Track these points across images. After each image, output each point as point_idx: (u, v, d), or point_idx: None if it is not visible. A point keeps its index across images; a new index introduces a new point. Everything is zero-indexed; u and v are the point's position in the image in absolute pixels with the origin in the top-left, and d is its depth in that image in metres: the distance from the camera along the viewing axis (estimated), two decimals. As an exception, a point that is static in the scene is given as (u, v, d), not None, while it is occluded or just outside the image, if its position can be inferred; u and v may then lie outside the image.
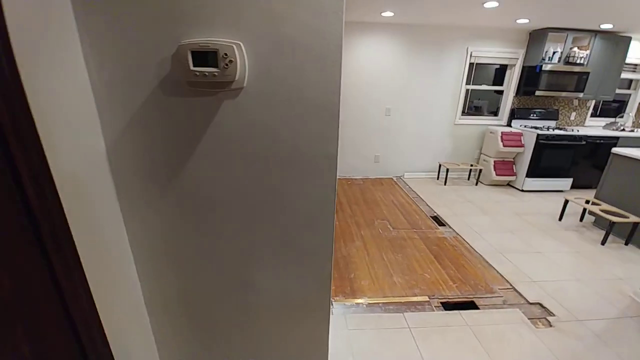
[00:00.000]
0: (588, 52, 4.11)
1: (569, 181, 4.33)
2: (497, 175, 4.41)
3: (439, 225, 3.23)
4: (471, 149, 4.83)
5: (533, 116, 4.57)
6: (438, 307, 2.03)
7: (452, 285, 2.26)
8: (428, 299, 2.10)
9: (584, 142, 4.15)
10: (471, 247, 2.80)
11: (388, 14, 3.54)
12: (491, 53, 4.33)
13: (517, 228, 3.21)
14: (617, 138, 4.19)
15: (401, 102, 4.48)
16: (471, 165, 4.62)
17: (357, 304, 2.03)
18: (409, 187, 4.39)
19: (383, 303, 2.04)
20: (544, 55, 4.12)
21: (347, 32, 4.07)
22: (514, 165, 4.45)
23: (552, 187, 4.32)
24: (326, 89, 0.82)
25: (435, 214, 3.51)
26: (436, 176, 4.82)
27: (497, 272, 2.43)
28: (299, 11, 0.75)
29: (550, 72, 4.09)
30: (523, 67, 4.40)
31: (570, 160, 4.22)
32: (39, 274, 0.65)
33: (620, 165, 3.07)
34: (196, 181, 0.90)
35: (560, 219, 3.43)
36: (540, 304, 2.09)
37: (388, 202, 3.82)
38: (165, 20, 0.75)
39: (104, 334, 0.81)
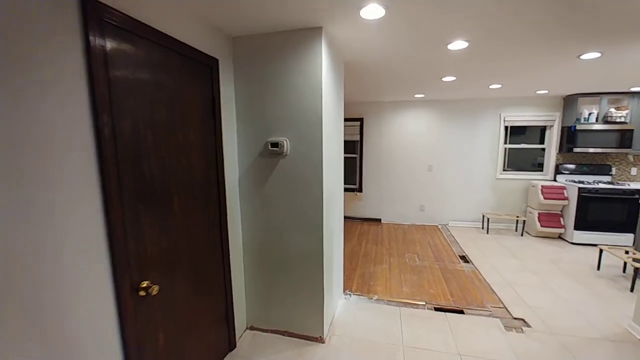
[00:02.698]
0: (627, 111, 4.33)
1: (629, 236, 4.21)
2: (541, 226, 4.59)
3: (463, 262, 3.75)
4: (516, 201, 5.13)
5: (579, 171, 4.73)
6: (430, 309, 2.69)
7: (450, 298, 2.86)
8: (425, 303, 2.77)
9: (637, 196, 4.13)
10: (484, 278, 3.28)
11: (419, 95, 4.68)
12: (525, 117, 4.92)
13: (544, 271, 3.48)
14: (681, 193, 4.03)
15: (441, 160, 5.29)
16: (517, 217, 4.90)
17: (369, 297, 2.86)
18: (450, 234, 4.92)
19: (387, 299, 2.81)
20: (578, 117, 4.52)
21: (393, 107, 5.32)
22: (561, 218, 4.58)
23: (608, 242, 4.25)
24: (315, 153, 2.01)
25: (463, 254, 4.02)
26: (480, 226, 5.20)
27: (497, 296, 2.90)
28: (306, 131, 2.00)
29: (586, 130, 4.41)
30: (562, 127, 4.80)
31: (625, 214, 4.19)
32: (217, 229, 1.93)
33: (648, 216, 3.21)
34: (267, 192, 2.14)
35: (598, 268, 3.52)
36: (523, 320, 2.53)
37: (424, 242, 4.47)
38: (263, 130, 2.08)
39: (229, 259, 2.03)
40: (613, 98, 4.41)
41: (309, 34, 1.93)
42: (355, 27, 1.93)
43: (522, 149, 5.14)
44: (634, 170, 4.74)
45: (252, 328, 2.35)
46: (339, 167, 2.62)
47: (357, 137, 5.59)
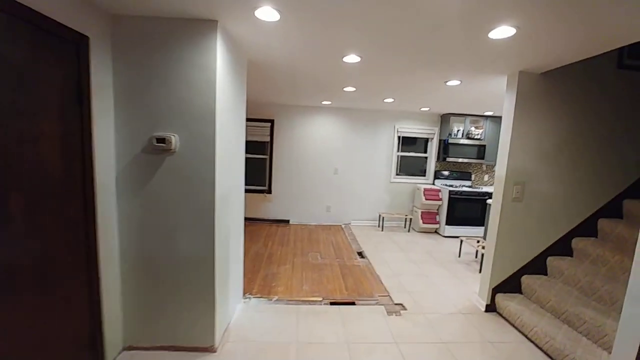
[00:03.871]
0: (483, 130, 5.49)
1: (481, 229, 5.30)
2: (423, 223, 5.40)
3: (360, 258, 4.11)
4: (405, 202, 5.91)
5: (451, 177, 5.76)
6: (326, 304, 2.86)
7: (345, 292, 3.10)
8: (322, 299, 2.93)
9: (486, 197, 5.24)
10: (375, 271, 3.66)
11: (327, 102, 4.95)
12: (413, 129, 5.72)
13: (421, 261, 4.10)
14: (514, 195, 5.30)
15: (345, 164, 5.71)
16: (405, 215, 5.64)
17: (269, 299, 2.86)
18: (351, 232, 5.34)
19: (287, 299, 2.87)
20: (450, 132, 5.49)
21: (302, 111, 5.49)
22: (437, 215, 5.47)
23: (468, 234, 5.26)
24: (207, 151, 1.91)
25: (361, 250, 4.41)
26: (377, 224, 5.81)
27: (384, 286, 3.27)
28: (197, 127, 1.88)
29: (455, 144, 5.40)
30: (440, 139, 5.75)
31: (479, 212, 5.27)
32: (82, 233, 1.64)
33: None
34: (152, 191, 1.93)
35: (459, 255, 4.33)
36: (402, 305, 2.91)
37: (327, 242, 4.74)
38: (148, 123, 1.87)
39: (98, 268, 1.75)
40: (473, 119, 5.51)
41: (203, 25, 1.83)
42: (254, 27, 1.92)
43: (411, 156, 5.95)
44: (486, 177, 6.02)
45: (130, 348, 2.06)
46: (239, 166, 2.55)
47: (268, 138, 5.57)
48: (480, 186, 5.80)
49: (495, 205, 2.77)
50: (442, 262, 4.10)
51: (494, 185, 2.80)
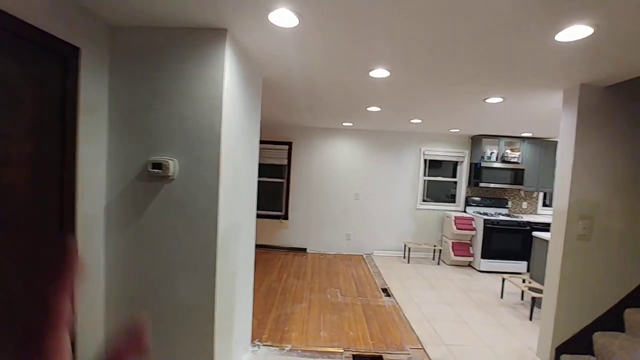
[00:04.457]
0: (520, 153, 4.98)
1: (522, 264, 4.68)
2: (455, 255, 4.84)
3: (385, 296, 3.63)
4: (433, 231, 5.38)
5: (484, 204, 5.22)
6: (348, 357, 2.40)
7: (370, 342, 2.62)
8: (342, 351, 2.47)
9: (528, 228, 4.65)
10: (404, 314, 3.16)
11: (348, 124, 4.68)
12: (441, 152, 5.30)
13: (457, 302, 3.55)
14: (560, 225, 4.68)
15: (368, 189, 5.33)
16: (434, 246, 5.11)
17: (281, 348, 2.44)
18: (374, 264, 4.86)
19: (302, 349, 2.44)
20: (483, 155, 5.03)
21: (322, 133, 5.24)
22: (470, 247, 4.90)
23: (507, 269, 4.65)
24: (210, 178, 1.62)
25: (386, 287, 3.92)
26: (402, 255, 5.29)
27: (416, 334, 2.77)
28: (199, 150, 1.61)
29: (489, 167, 4.91)
30: (470, 163, 5.28)
31: (519, 244, 4.67)
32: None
33: (539, 247, 3.55)
34: (145, 225, 1.64)
35: (501, 296, 3.75)
36: (440, 362, 2.41)
37: (348, 275, 4.28)
38: (144, 146, 1.61)
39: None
40: (508, 141, 5.04)
41: (211, 35, 1.60)
42: (268, 35, 1.67)
43: (438, 181, 5.50)
44: (524, 204, 5.42)
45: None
46: (249, 194, 2.24)
47: (285, 162, 5.32)
48: (519, 215, 5.20)
49: (555, 243, 2.29)
50: (481, 304, 3.53)
51: (553, 219, 2.33)
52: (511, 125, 4.11)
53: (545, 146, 5.02)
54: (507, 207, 5.27)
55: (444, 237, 5.23)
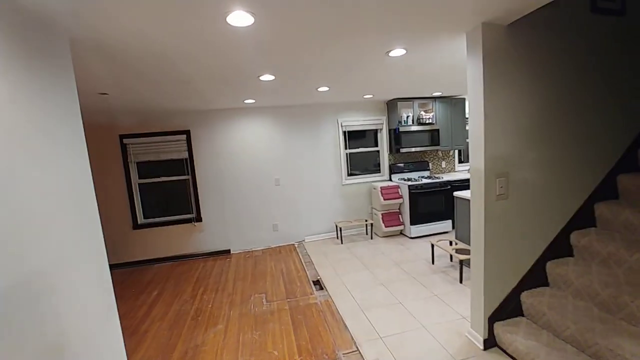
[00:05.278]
0: (433, 113, 4.94)
1: (448, 222, 4.76)
2: (386, 227, 4.70)
3: (317, 289, 3.24)
4: (364, 205, 5.18)
5: (407, 169, 5.15)
6: (270, 390, 1.93)
7: (297, 358, 2.19)
8: (263, 383, 1.99)
9: (449, 187, 4.71)
10: (337, 309, 2.81)
11: (250, 100, 3.99)
12: (359, 122, 5.00)
13: (391, 279, 3.34)
14: (475, 179, 4.84)
15: (288, 172, 4.80)
16: (365, 221, 4.89)
17: (178, 407, 1.85)
18: (306, 252, 4.45)
19: (208, 400, 1.88)
20: (400, 119, 4.85)
21: (222, 115, 4.46)
22: (400, 215, 4.81)
23: (435, 231, 4.70)
24: None
25: (318, 277, 3.54)
26: (335, 235, 4.99)
27: (350, 333, 2.43)
28: None
29: (407, 132, 4.78)
30: (389, 129, 5.10)
31: (443, 204, 4.71)
32: None
33: (461, 206, 3.50)
34: None
35: (432, 262, 3.67)
36: (377, 362, 2.09)
37: (277, 272, 3.79)
38: None
39: None
40: (421, 102, 4.94)
41: None
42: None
43: (361, 152, 5.22)
44: (443, 164, 5.53)
45: None
46: (73, 217, 1.50)
47: (185, 154, 4.44)
48: (440, 175, 5.27)
49: (476, 208, 2.06)
50: (415, 275, 3.39)
51: (471, 180, 2.09)
52: (420, 86, 3.91)
53: (454, 104, 5.06)
54: (429, 169, 5.29)
55: (373, 210, 5.05)
